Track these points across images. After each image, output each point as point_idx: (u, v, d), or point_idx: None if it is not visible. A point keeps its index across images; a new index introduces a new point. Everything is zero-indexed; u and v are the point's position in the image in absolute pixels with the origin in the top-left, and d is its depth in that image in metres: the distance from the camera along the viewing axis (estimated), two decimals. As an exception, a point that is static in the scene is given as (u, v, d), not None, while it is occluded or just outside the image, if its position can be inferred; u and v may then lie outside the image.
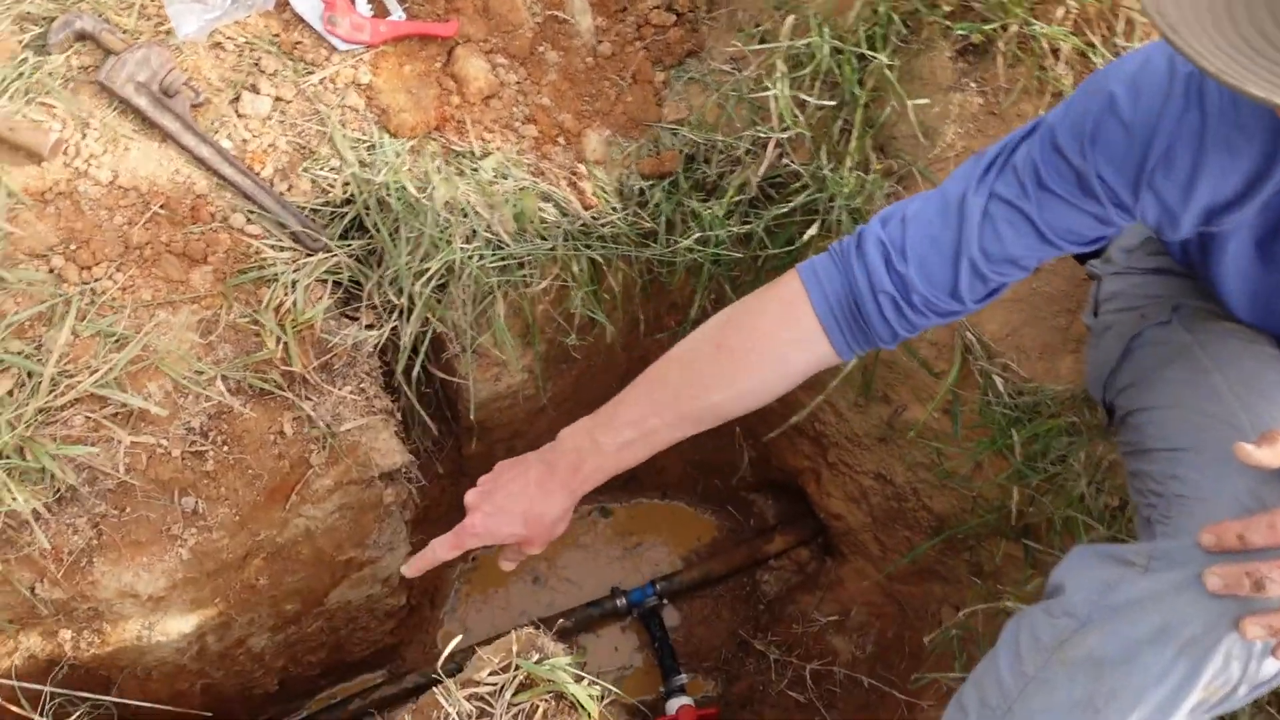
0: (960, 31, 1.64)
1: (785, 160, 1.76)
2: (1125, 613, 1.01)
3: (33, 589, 1.52)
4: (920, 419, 1.80)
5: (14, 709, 1.35)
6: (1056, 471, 1.60)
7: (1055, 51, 1.64)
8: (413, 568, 1.40)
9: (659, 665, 2.31)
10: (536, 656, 1.50)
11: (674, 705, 2.15)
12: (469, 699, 1.47)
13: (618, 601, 2.36)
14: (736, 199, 1.79)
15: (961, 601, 2.01)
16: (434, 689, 1.48)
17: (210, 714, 1.97)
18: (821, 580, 2.39)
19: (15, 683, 1.54)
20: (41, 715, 1.33)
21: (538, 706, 1.47)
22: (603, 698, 1.51)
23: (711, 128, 1.80)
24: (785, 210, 1.76)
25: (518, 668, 1.48)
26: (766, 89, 1.70)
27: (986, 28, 1.64)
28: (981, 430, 1.70)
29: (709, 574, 2.43)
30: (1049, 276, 1.65)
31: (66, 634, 1.66)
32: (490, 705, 1.47)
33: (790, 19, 1.69)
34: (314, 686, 2.25)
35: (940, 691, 1.89)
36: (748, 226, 1.79)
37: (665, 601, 2.40)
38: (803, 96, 1.68)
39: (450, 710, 1.45)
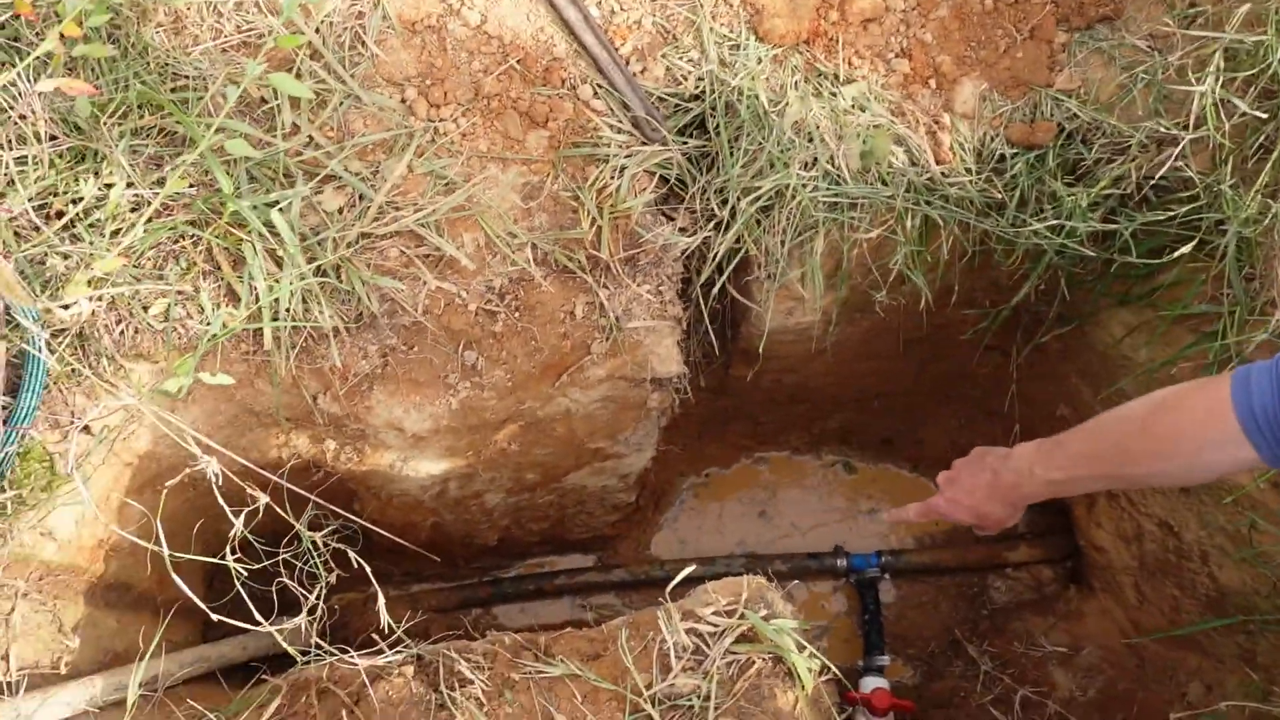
0: None
1: (1181, 164, 1.54)
2: None
3: (315, 398, 1.59)
4: (1245, 485, 1.59)
5: (277, 509, 1.42)
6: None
7: None
8: (892, 516, 1.62)
9: (863, 637, 2.23)
10: (764, 611, 1.45)
11: (870, 684, 2.07)
12: (688, 632, 1.44)
13: (839, 561, 2.28)
14: (1108, 191, 1.60)
15: (1217, 684, 1.81)
16: (657, 610, 1.46)
17: (432, 552, 2.05)
18: (1058, 607, 2.22)
19: (281, 480, 1.62)
20: (300, 522, 1.39)
21: (754, 662, 1.42)
22: (820, 672, 1.45)
23: (1105, 108, 1.60)
24: (1162, 218, 1.56)
25: (743, 617, 1.44)
26: (1189, 81, 1.48)
27: None
28: (1319, 522, 1.49)
29: (939, 562, 2.31)
30: None
31: (331, 444, 1.74)
32: (707, 645, 1.43)
33: (1245, 7, 1.45)
34: (527, 552, 2.31)
35: (1165, 769, 1.73)
36: (1112, 225, 1.60)
37: (886, 576, 2.30)
38: (1234, 99, 1.45)
39: (668, 637, 1.43)
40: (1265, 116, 1.46)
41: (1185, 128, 1.50)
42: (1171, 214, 1.55)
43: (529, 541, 2.24)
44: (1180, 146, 1.50)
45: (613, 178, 1.60)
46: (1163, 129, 1.53)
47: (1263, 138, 1.49)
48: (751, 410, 2.26)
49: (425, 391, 1.60)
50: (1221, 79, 1.46)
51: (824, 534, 2.41)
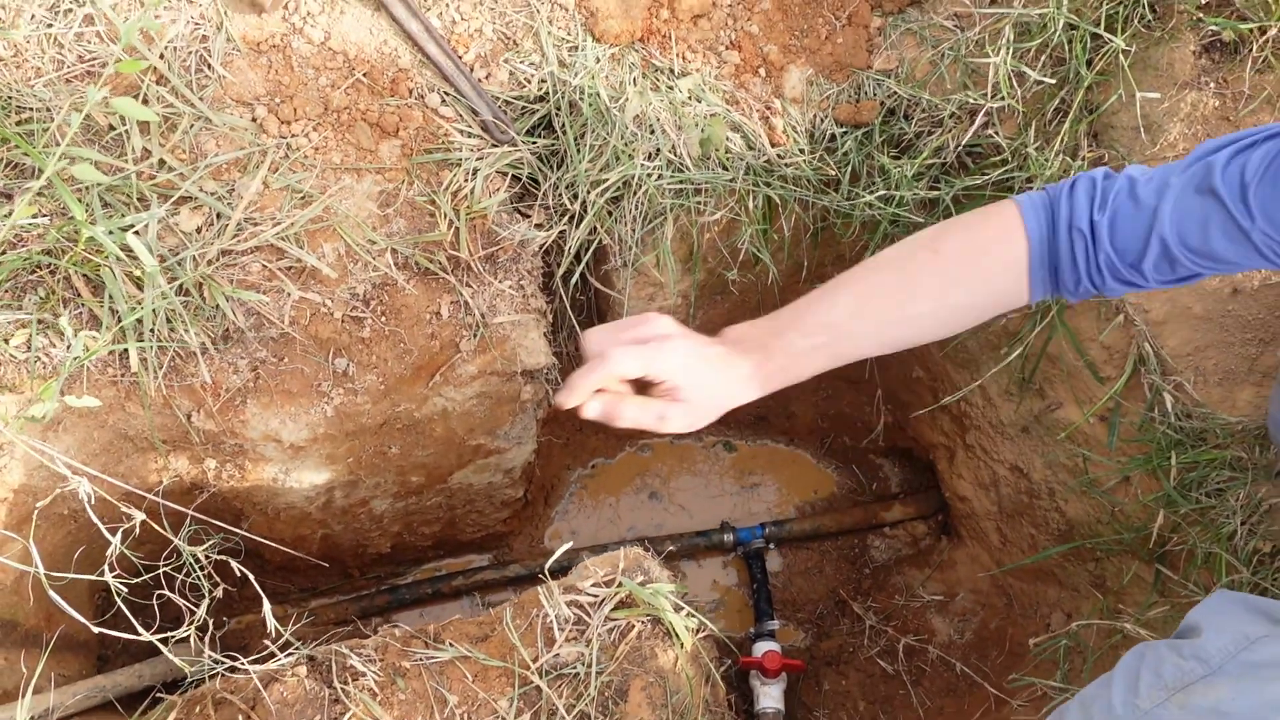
0: (1212, 26, 1.52)
1: (990, 131, 1.68)
2: (1263, 672, 0.97)
3: (189, 417, 1.61)
4: (1075, 421, 1.73)
5: (155, 526, 1.44)
6: (1210, 505, 1.52)
7: (1312, 63, 1.51)
8: (572, 393, 1.11)
9: (753, 606, 2.33)
10: (641, 578, 1.53)
11: (761, 648, 2.17)
12: (569, 604, 1.51)
13: (725, 536, 2.37)
14: (930, 162, 1.73)
15: (1075, 610, 1.95)
16: (538, 588, 1.53)
17: (325, 563, 2.07)
18: (933, 558, 2.35)
19: (160, 500, 1.64)
20: (179, 538, 1.42)
21: (633, 626, 1.50)
22: (698, 631, 1.53)
23: (919, 84, 1.73)
24: (978, 182, 1.69)
25: (621, 584, 1.51)
26: (988, 55, 1.61)
27: (1243, 26, 1.51)
28: (1138, 446, 1.63)
29: (820, 528, 2.42)
30: (1248, 300, 1.54)
31: (211, 463, 1.76)
32: (588, 615, 1.50)
33: (1028, -16, 1.60)
34: (423, 556, 2.35)
35: (1034, 695, 1.85)
36: (935, 192, 1.73)
37: (771, 546, 2.40)
38: (1024, 69, 1.59)
39: (550, 611, 1.49)
40: (1054, 82, 1.60)
41: (988, 97, 1.63)
42: (987, 177, 1.68)
43: (423, 546, 2.28)
44: (984, 115, 1.63)
45: (466, 180, 1.66)
46: (971, 100, 1.66)
47: (1058, 101, 1.63)
48: (629, 399, 2.33)
49: (299, 401, 1.64)
50: (1013, 50, 1.59)
51: (712, 512, 2.50)
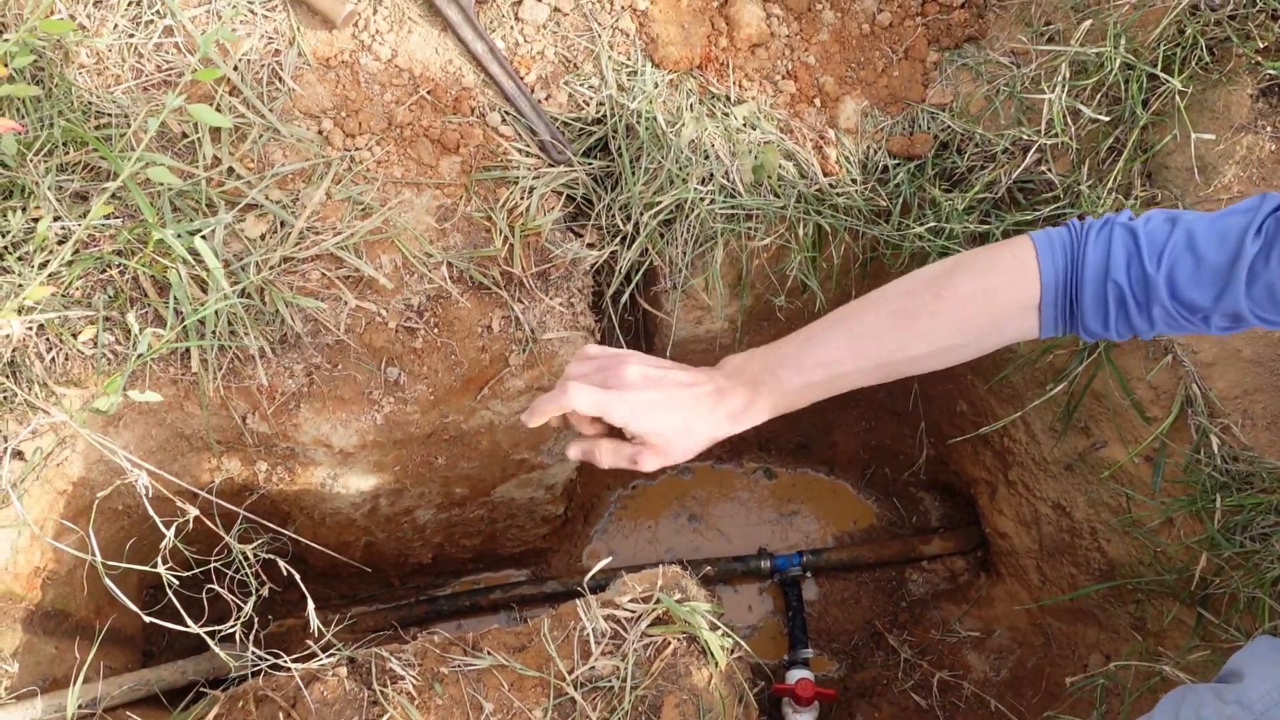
0: (1270, 70, 1.53)
1: (1043, 167, 1.69)
2: (1307, 721, 0.96)
3: (245, 419, 1.65)
4: (1119, 460, 1.73)
5: (207, 522, 1.48)
6: (1254, 549, 1.50)
7: (1371, 110, 1.50)
8: (534, 415, 1.21)
9: (788, 634, 2.33)
10: (678, 595, 1.54)
11: (794, 676, 2.17)
12: (606, 619, 1.52)
13: (763, 563, 2.38)
14: (981, 196, 1.74)
15: (1114, 652, 1.93)
16: (576, 600, 1.54)
17: (367, 569, 2.11)
18: (970, 594, 2.33)
19: (214, 498, 1.69)
20: (231, 535, 1.45)
21: (669, 644, 1.51)
22: (732, 651, 1.54)
23: (973, 119, 1.74)
24: (1029, 218, 1.70)
25: (658, 601, 1.53)
26: (1043, 91, 1.62)
27: (1301, 71, 1.51)
28: (1182, 487, 1.62)
29: (858, 558, 2.41)
30: (1300, 348, 1.53)
31: (263, 465, 1.80)
32: (624, 630, 1.52)
33: (1086, 24, 1.61)
34: (462, 569, 2.38)
35: (1069, 736, 1.84)
36: (986, 226, 1.74)
37: (808, 574, 2.40)
38: (1079, 106, 1.60)
39: (587, 625, 1.51)
40: (1109, 120, 1.60)
41: (1042, 134, 1.64)
42: (1038, 213, 1.69)
43: (463, 558, 2.31)
44: (1035, 151, 1.64)
45: (522, 198, 1.70)
46: (1025, 136, 1.67)
47: (1112, 140, 1.64)
48: (672, 421, 2.35)
49: (350, 408, 1.68)
50: (1068, 88, 1.60)
51: (751, 538, 2.50)
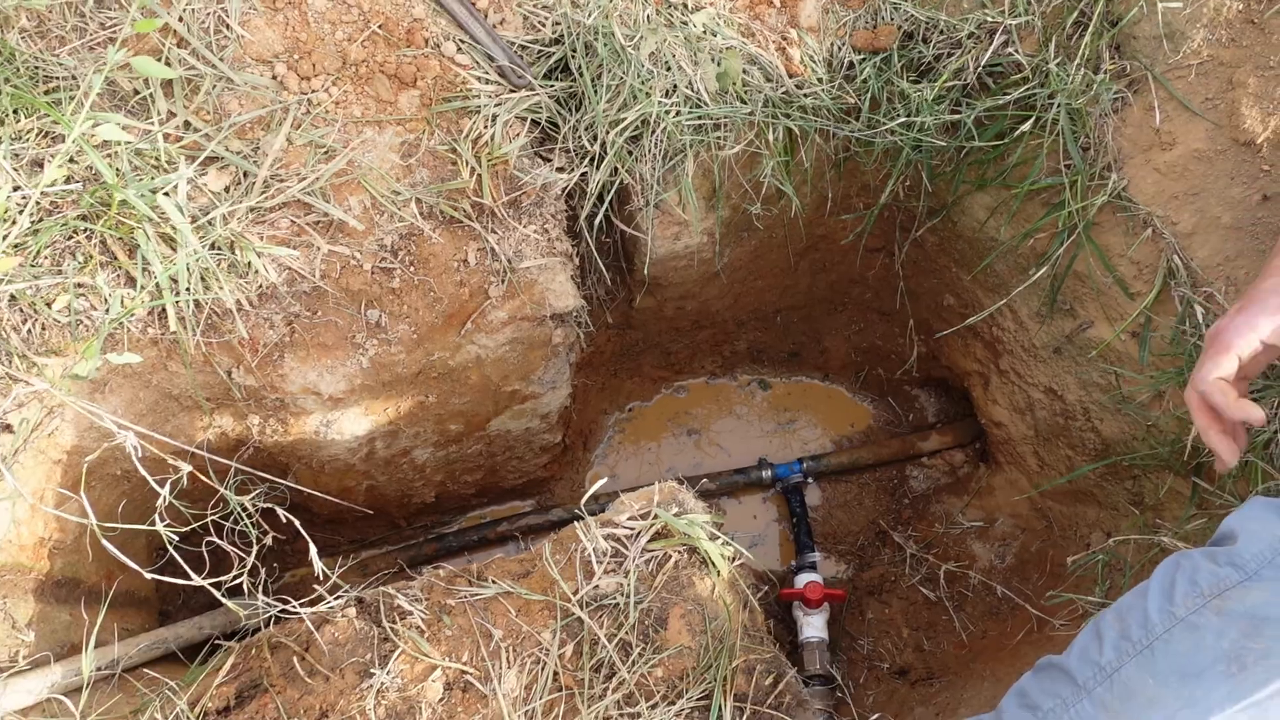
0: (1233, -74, 1.49)
1: (1009, 49, 1.66)
2: (1298, 574, 0.97)
3: (230, 373, 1.65)
4: (1106, 339, 1.72)
5: (202, 477, 1.49)
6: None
7: (1339, -41, 1.47)
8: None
9: (794, 540, 2.35)
10: (676, 509, 1.55)
11: (802, 580, 2.19)
12: (606, 538, 1.54)
13: (763, 472, 2.39)
14: (950, 84, 1.71)
15: (1114, 529, 1.95)
16: (576, 524, 1.56)
17: (371, 512, 2.13)
18: (971, 485, 2.35)
19: (207, 454, 1.70)
20: (226, 488, 1.46)
21: (670, 556, 1.52)
22: (733, 559, 1.56)
23: (937, 5, 1.71)
24: (1000, 103, 1.68)
25: (656, 517, 1.54)
26: (1003, -31, 1.59)
27: (1264, -76, 1.48)
28: (1170, 360, 1.62)
29: (857, 460, 2.43)
30: (1278, 207, 1.52)
31: (254, 419, 1.80)
32: (625, 547, 1.54)
33: (1042, -105, 1.57)
34: (466, 504, 2.39)
35: (1075, 613, 1.86)
36: (957, 115, 1.71)
37: (810, 480, 2.42)
38: (1040, -19, 1.57)
39: (588, 545, 1.53)
40: (1074, -7, 1.57)
41: (1006, 14, 1.61)
42: (1009, 97, 1.66)
43: (466, 494, 2.32)
44: (1001, 33, 1.61)
45: (486, 127, 1.67)
46: (989, 18, 1.64)
47: (1077, 14, 1.60)
48: (661, 341, 2.36)
49: (335, 353, 1.67)
50: (1030, -37, 1.57)
51: (752, 451, 2.52)
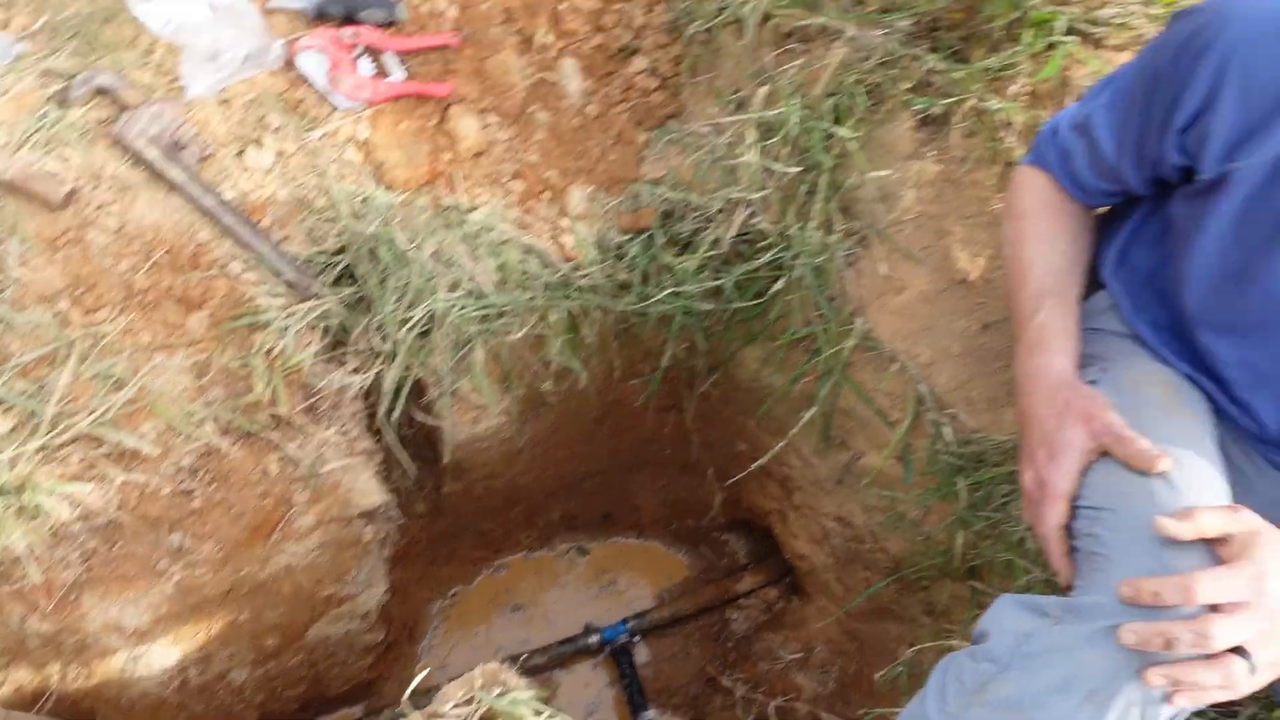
0: (920, 105, 1.75)
1: (755, 219, 1.86)
2: (1038, 661, 1.10)
3: (23, 621, 1.59)
4: (876, 465, 1.89)
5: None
6: (998, 518, 1.68)
7: (1008, 124, 1.74)
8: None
9: (628, 702, 2.38)
10: (499, 690, 1.58)
11: (642, 740, 2.22)
12: (438, 731, 1.54)
13: (590, 639, 2.43)
14: (708, 254, 1.89)
15: (916, 640, 2.09)
16: (403, 720, 1.55)
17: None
18: (787, 619, 2.47)
19: (3, 710, 1.60)
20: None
21: (502, 739, 1.54)
22: (568, 729, 1.58)
23: (687, 187, 1.90)
24: (754, 266, 1.86)
25: (480, 701, 1.56)
26: (739, 154, 1.80)
27: (945, 102, 1.74)
28: (931, 477, 1.79)
29: (678, 612, 2.51)
30: (995, 334, 1.74)
31: (55, 667, 1.72)
32: (457, 737, 1.54)
33: (764, 89, 1.80)
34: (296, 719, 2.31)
35: (894, 728, 1.97)
36: (718, 281, 1.89)
37: (637, 639, 2.47)
38: (771, 164, 1.78)
39: (420, 741, 1.52)
40: (801, 170, 1.79)
41: (747, 190, 1.81)
42: (760, 261, 1.85)
43: (291, 710, 2.25)
44: (747, 207, 1.82)
45: (278, 339, 1.72)
46: (734, 195, 1.84)
47: (807, 186, 1.83)
48: (474, 522, 2.39)
49: (137, 584, 1.64)
50: (761, 148, 1.78)
51: (578, 618, 2.55)
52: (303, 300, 1.76)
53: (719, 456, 2.40)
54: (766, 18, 1.86)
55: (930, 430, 1.75)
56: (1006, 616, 1.16)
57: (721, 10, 1.89)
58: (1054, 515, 1.26)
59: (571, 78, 1.97)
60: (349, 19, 1.90)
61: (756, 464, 2.09)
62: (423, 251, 1.79)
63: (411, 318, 1.75)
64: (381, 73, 1.90)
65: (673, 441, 2.42)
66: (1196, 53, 1.17)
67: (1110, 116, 1.33)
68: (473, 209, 1.87)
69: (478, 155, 1.92)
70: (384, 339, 1.77)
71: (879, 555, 2.06)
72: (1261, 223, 1.20)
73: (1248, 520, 1.08)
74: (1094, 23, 1.70)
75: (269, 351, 1.71)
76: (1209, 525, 1.07)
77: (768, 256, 1.85)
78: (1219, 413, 1.38)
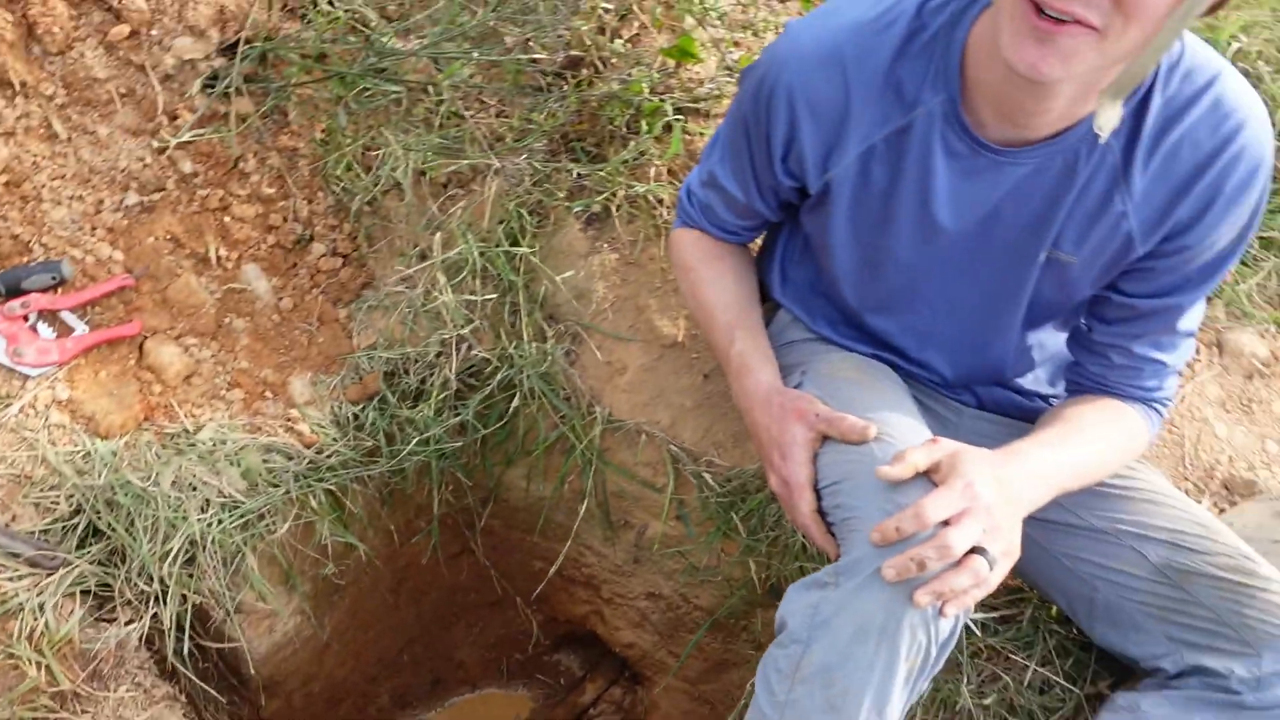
0: (579, 208, 1.94)
1: (473, 351, 1.97)
2: (831, 625, 1.24)
3: None
4: (660, 530, 2.02)
5: None
6: (777, 535, 1.84)
7: (660, 201, 1.96)
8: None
9: None
10: None
11: None
12: None
13: (459, 804, 2.39)
14: (441, 396, 1.98)
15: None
16: None
17: None
18: (638, 711, 2.52)
19: None
20: None
21: None
22: None
23: (401, 343, 1.99)
24: (487, 393, 1.97)
25: None
26: (436, 298, 1.92)
27: (600, 198, 1.94)
28: (709, 523, 1.93)
29: (534, 745, 2.51)
30: (716, 379, 1.92)
31: None
32: None
33: (438, 235, 1.94)
34: None
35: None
36: (459, 417, 1.98)
37: (507, 789, 2.45)
38: (468, 298, 1.91)
39: None
40: (498, 294, 1.93)
41: (456, 328, 1.93)
42: (490, 386, 1.96)
43: None
44: (462, 343, 1.93)
45: (36, 618, 1.66)
46: (445, 336, 1.95)
47: (510, 306, 1.96)
48: (304, 734, 2.32)
49: None
50: (453, 287, 1.91)
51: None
52: (50, 573, 1.71)
53: (521, 581, 2.45)
54: (421, 174, 2.01)
55: (694, 482, 1.90)
56: (795, 600, 1.29)
57: (376, 181, 2.03)
58: (805, 504, 1.42)
59: (257, 280, 2.04)
60: (14, 292, 1.89)
61: (553, 569, 2.16)
62: (162, 485, 1.79)
63: (170, 550, 1.74)
64: (63, 330, 1.90)
65: (474, 584, 2.45)
66: (767, 97, 1.40)
67: (726, 167, 1.55)
68: (199, 429, 1.88)
69: (188, 378, 1.94)
70: (149, 580, 1.74)
71: (696, 614, 2.17)
72: (869, 211, 1.44)
73: (946, 445, 1.28)
74: (696, 99, 1.96)
75: (30, 634, 1.64)
76: (917, 459, 1.26)
77: (497, 379, 1.97)
78: (907, 376, 1.61)
